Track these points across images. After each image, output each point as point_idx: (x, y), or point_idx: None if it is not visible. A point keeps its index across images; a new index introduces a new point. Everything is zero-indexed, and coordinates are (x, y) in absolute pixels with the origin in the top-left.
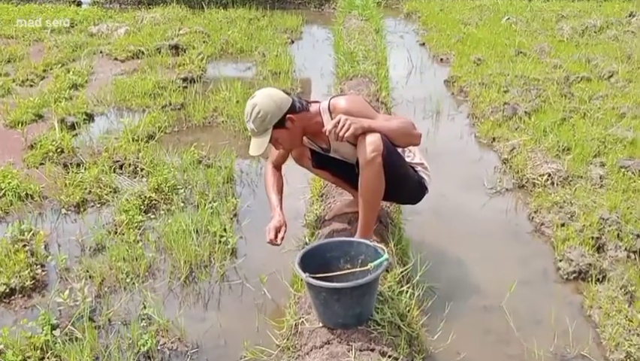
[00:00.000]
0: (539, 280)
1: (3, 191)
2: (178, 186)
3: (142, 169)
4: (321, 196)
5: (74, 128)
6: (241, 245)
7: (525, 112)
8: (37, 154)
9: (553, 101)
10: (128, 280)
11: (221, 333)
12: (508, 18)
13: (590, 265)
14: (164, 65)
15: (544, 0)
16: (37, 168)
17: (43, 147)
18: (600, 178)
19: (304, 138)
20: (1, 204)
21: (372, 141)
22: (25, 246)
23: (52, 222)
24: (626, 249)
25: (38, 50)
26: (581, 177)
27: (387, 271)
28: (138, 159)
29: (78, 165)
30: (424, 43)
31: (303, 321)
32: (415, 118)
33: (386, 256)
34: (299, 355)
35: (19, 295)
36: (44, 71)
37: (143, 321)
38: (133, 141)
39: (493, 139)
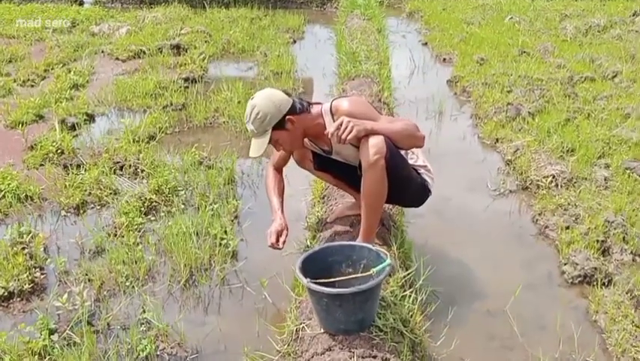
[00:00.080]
0: (544, 284)
1: (2, 193)
2: (178, 188)
3: (142, 170)
4: (323, 198)
5: (75, 129)
6: (242, 248)
7: (529, 112)
8: (37, 155)
9: (557, 101)
10: (127, 284)
11: (221, 338)
12: (512, 17)
13: (595, 268)
14: (165, 65)
15: None
16: (37, 170)
17: (43, 148)
18: (605, 180)
19: (306, 139)
20: (0, 206)
21: (375, 144)
22: (24, 248)
23: (51, 225)
24: (632, 252)
25: (40, 50)
26: (586, 178)
27: (389, 275)
28: (139, 160)
29: (78, 166)
30: (426, 43)
31: (304, 327)
32: (417, 118)
33: (389, 261)
34: None
35: (18, 299)
36: (45, 71)
37: (143, 326)
38: (134, 141)
39: (497, 140)
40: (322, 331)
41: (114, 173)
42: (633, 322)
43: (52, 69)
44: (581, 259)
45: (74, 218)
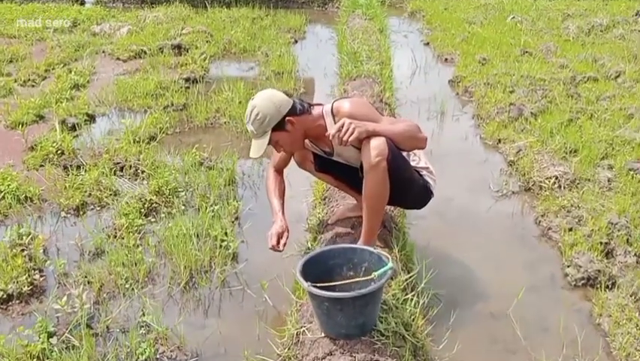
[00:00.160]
0: (547, 287)
1: (2, 194)
2: (179, 189)
3: (143, 171)
4: (324, 199)
5: (75, 130)
6: (242, 249)
7: (531, 113)
8: (37, 156)
9: (560, 101)
10: (127, 286)
11: (221, 341)
12: (514, 17)
13: (598, 271)
14: (166, 65)
15: None
16: (37, 170)
17: (43, 149)
18: (608, 181)
19: (307, 141)
20: (0, 207)
21: (377, 145)
22: (23, 250)
23: (51, 226)
24: (635, 254)
25: (41, 50)
26: (589, 179)
27: (391, 278)
28: (139, 160)
29: (78, 167)
30: (428, 43)
31: (304, 330)
32: (418, 119)
33: (390, 264)
34: None
35: (17, 301)
36: (46, 71)
37: (142, 328)
38: (134, 142)
39: (499, 140)
40: (323, 335)
41: (114, 174)
42: (637, 325)
43: (52, 69)
44: (585, 261)
45: (74, 219)
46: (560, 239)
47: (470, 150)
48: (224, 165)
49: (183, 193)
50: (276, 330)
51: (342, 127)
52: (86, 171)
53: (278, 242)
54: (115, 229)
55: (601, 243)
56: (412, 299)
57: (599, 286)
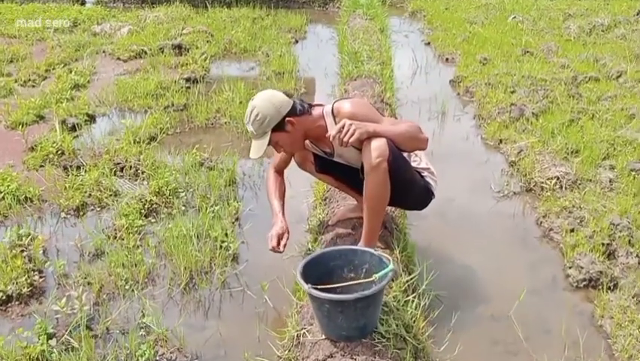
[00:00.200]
0: (548, 288)
1: (2, 194)
2: (179, 190)
3: (143, 172)
4: (325, 200)
5: (75, 130)
6: (242, 250)
7: (532, 113)
8: (37, 156)
9: (561, 101)
10: (127, 287)
11: (221, 343)
12: (515, 17)
13: (600, 272)
14: (166, 65)
15: None
16: (37, 171)
17: (43, 149)
18: (610, 182)
19: (307, 141)
20: (0, 208)
21: (378, 146)
22: (22, 251)
23: (51, 227)
24: (637, 255)
25: (41, 50)
26: (590, 180)
27: (392, 280)
28: (139, 161)
29: (78, 167)
30: (429, 43)
31: (305, 332)
32: (419, 119)
33: (391, 266)
34: None
35: (16, 303)
36: (46, 71)
37: (142, 330)
38: (134, 142)
39: (500, 141)
40: (324, 337)
41: (114, 174)
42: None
43: (53, 69)
44: (586, 262)
45: (74, 220)
46: (561, 240)
47: (471, 150)
48: (225, 165)
49: (183, 194)
50: (277, 332)
51: (343, 128)
52: (86, 171)
53: (278, 243)
54: (115, 229)
55: (603, 244)
56: (413, 301)
57: (600, 287)
